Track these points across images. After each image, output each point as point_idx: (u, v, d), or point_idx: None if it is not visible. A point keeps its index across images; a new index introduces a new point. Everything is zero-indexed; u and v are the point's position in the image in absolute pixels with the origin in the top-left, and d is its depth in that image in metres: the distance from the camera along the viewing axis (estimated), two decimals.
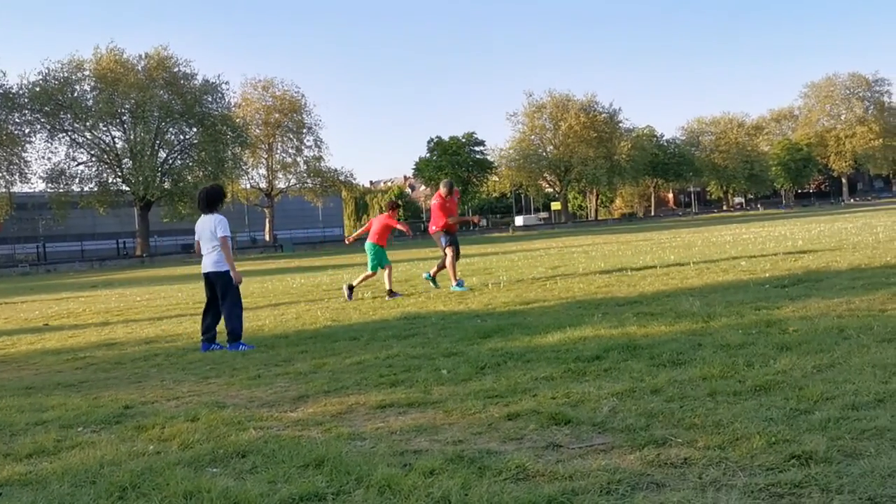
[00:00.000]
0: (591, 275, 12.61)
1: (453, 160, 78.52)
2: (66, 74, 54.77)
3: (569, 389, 4.58)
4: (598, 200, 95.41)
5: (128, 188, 56.24)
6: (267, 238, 68.32)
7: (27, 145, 54.73)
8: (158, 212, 58.02)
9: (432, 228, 12.23)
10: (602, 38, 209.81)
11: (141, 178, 53.76)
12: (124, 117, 56.16)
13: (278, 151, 70.57)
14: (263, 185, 69.81)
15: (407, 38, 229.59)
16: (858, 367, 4.49)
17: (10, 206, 54.96)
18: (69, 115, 54.43)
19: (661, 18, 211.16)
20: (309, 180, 70.76)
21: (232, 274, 7.81)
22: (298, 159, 70.73)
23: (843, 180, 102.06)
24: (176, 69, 58.00)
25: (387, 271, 11.75)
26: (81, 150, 56.89)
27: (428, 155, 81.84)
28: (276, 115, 69.46)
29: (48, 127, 55.02)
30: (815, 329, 5.79)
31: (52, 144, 55.92)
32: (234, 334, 7.73)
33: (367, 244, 11.97)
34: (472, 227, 58.93)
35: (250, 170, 67.70)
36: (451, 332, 7.36)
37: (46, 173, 55.18)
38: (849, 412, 3.64)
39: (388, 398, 4.79)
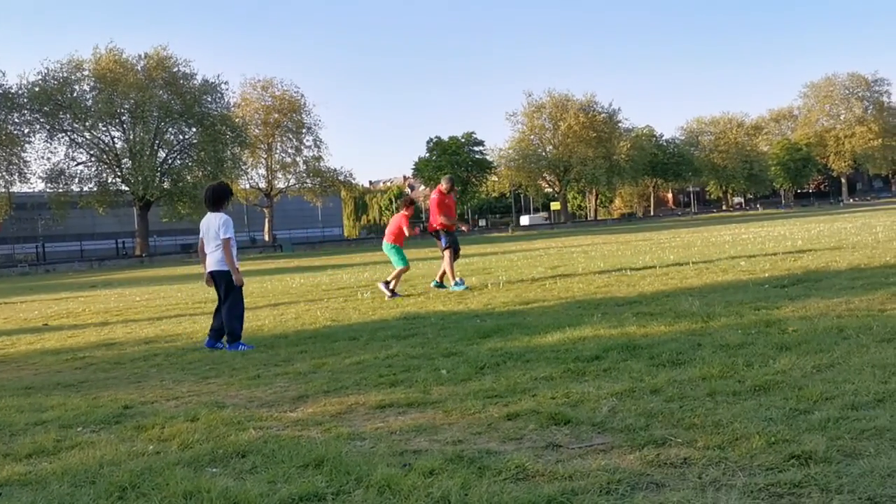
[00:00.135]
0: (591, 275, 12.61)
1: (453, 160, 78.40)
2: (65, 74, 54.78)
3: (568, 389, 4.58)
4: (598, 200, 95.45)
5: (127, 188, 56.27)
6: (266, 238, 68.30)
7: (26, 145, 54.78)
8: (158, 212, 58.01)
9: (431, 226, 12.24)
10: (601, 39, 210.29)
11: (140, 178, 53.77)
12: (123, 117, 56.15)
13: (278, 151, 70.62)
14: (263, 185, 69.82)
15: (407, 38, 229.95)
16: (858, 367, 4.49)
17: (10, 206, 54.95)
18: (68, 115, 54.43)
19: (660, 18, 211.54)
20: (308, 180, 70.75)
21: (233, 276, 7.80)
22: (298, 159, 70.81)
23: (843, 180, 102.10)
24: (175, 69, 57.99)
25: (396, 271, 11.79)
26: (81, 150, 57.01)
27: (427, 155, 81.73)
28: (276, 115, 69.45)
29: (47, 127, 55.01)
30: (815, 329, 5.79)
31: (51, 144, 56.07)
32: (234, 335, 7.73)
33: (385, 245, 12.00)
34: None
35: (249, 170, 67.81)
36: (451, 332, 7.35)
37: (46, 173, 55.30)
38: (848, 412, 3.64)
39: (387, 398, 4.79)
